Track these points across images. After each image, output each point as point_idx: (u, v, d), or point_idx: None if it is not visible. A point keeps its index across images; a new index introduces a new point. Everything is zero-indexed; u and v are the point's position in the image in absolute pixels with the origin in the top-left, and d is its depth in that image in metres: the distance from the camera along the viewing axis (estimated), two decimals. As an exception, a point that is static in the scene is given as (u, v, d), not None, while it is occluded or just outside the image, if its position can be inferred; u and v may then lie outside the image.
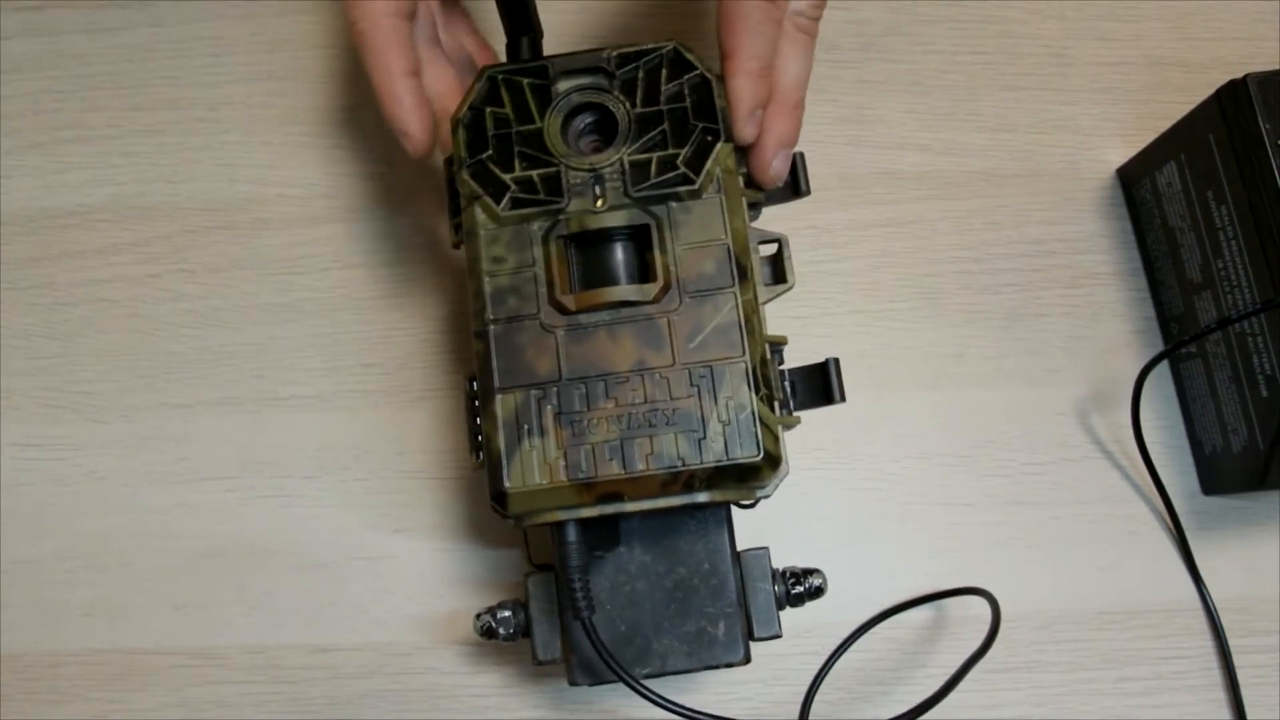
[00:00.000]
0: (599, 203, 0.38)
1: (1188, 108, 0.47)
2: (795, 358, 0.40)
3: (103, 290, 0.50)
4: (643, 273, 0.38)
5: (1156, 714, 0.46)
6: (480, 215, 0.38)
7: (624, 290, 0.36)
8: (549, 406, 0.36)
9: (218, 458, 0.49)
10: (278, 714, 0.46)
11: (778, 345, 0.39)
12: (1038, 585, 0.48)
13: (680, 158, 0.37)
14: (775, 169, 0.40)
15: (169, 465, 0.48)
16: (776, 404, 0.37)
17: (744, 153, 0.39)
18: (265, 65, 0.53)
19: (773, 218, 0.42)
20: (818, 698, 0.45)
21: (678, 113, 0.38)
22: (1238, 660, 0.47)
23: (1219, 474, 0.48)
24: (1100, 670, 0.47)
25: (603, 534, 0.38)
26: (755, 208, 0.41)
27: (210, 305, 0.50)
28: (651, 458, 0.35)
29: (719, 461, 0.35)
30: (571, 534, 0.36)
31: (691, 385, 0.36)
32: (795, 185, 0.42)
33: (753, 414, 0.35)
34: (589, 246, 0.38)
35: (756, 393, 0.35)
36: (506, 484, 0.35)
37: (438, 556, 0.48)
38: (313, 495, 0.48)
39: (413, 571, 0.47)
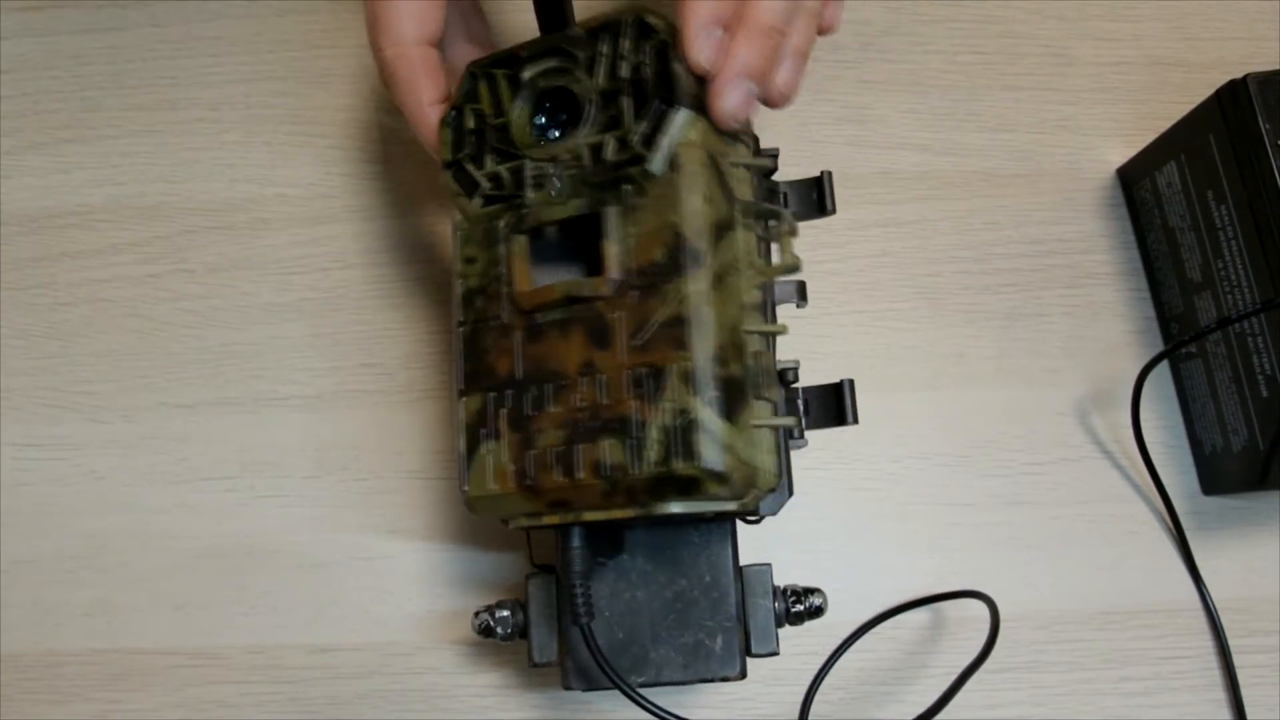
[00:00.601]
0: (556, 193, 0.35)
1: (1188, 108, 0.47)
2: (793, 358, 0.40)
3: (103, 290, 0.50)
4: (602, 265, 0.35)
5: (1156, 714, 0.46)
6: (458, 216, 0.37)
7: (569, 285, 0.34)
8: (504, 410, 0.35)
9: (218, 458, 0.49)
10: (278, 714, 0.46)
11: (772, 338, 0.36)
12: (1038, 585, 0.48)
13: (635, 135, 0.34)
14: (730, 104, 0.34)
15: (169, 465, 0.48)
16: (767, 404, 0.34)
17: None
18: (265, 65, 0.53)
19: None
20: (818, 698, 0.45)
21: (640, 86, 0.35)
22: (1238, 660, 0.47)
23: (1219, 474, 0.48)
24: (1100, 670, 0.47)
25: (606, 540, 0.38)
26: (766, 181, 0.38)
27: (210, 305, 0.50)
28: (591, 466, 0.33)
29: (655, 472, 0.32)
30: (575, 539, 0.35)
31: (635, 387, 0.33)
32: (821, 203, 0.40)
33: (694, 421, 0.32)
34: (550, 241, 0.36)
35: (701, 395, 0.32)
36: (465, 488, 0.35)
37: (438, 556, 0.48)
38: (313, 495, 0.48)
39: (413, 571, 0.47)
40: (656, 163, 0.34)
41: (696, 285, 0.33)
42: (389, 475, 0.48)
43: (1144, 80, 0.54)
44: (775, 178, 0.41)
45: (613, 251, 0.34)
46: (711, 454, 0.32)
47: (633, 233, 0.34)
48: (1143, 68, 0.54)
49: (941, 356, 0.50)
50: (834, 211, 0.40)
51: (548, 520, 0.35)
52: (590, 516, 0.34)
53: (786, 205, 0.41)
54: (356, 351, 0.50)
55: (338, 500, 0.48)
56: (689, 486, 0.32)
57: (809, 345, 0.49)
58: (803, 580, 0.41)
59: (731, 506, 0.34)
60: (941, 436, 0.49)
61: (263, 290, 0.50)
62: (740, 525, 0.40)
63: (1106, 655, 0.47)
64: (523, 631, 0.39)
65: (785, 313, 0.40)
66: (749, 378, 0.34)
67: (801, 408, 0.39)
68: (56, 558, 0.48)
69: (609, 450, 0.33)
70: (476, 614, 0.39)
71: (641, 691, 0.36)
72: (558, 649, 0.39)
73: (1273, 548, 0.48)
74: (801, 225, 0.43)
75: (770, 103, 0.36)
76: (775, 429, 0.35)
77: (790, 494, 0.38)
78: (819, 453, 0.48)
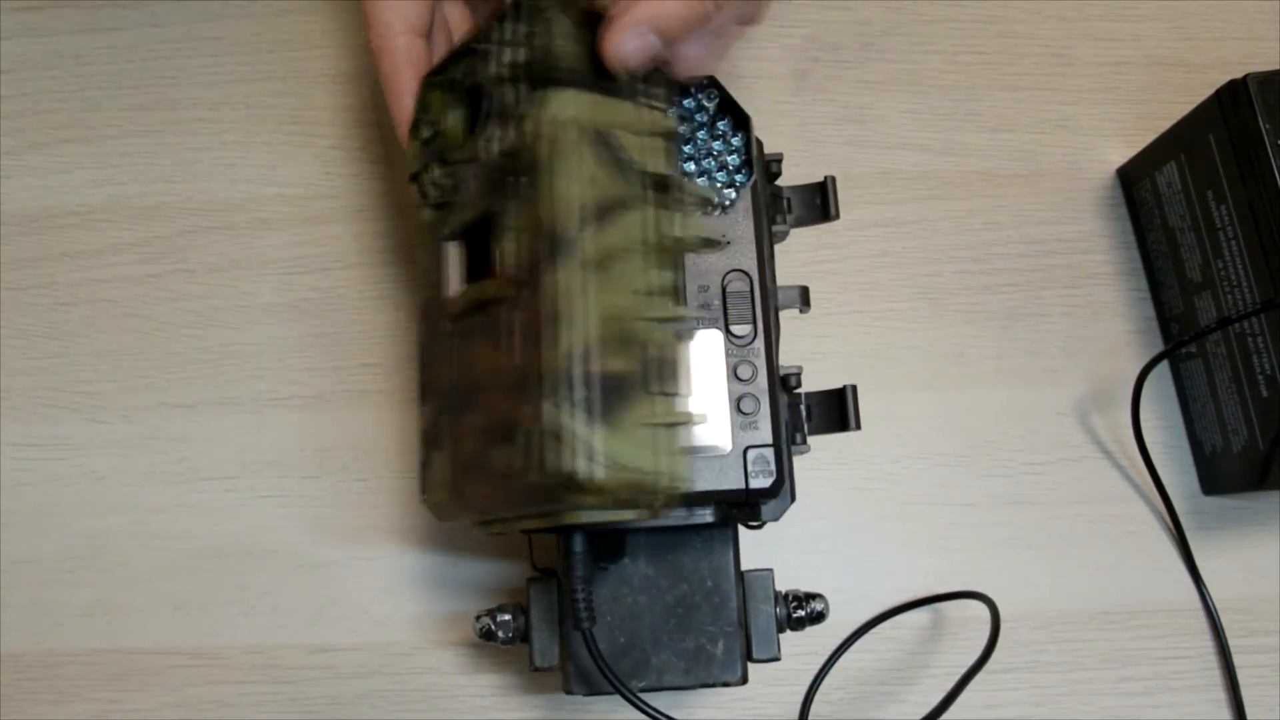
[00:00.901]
0: (468, 194, 0.34)
1: (1188, 108, 0.47)
2: (793, 358, 0.40)
3: (103, 290, 0.50)
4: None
5: (1156, 714, 0.46)
6: (421, 226, 0.37)
7: (472, 289, 0.33)
8: (445, 418, 0.34)
9: (218, 458, 0.48)
10: (278, 714, 0.46)
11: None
12: (1038, 585, 0.48)
13: (525, 122, 0.32)
14: (623, 46, 0.31)
15: (169, 465, 0.48)
16: (673, 399, 0.31)
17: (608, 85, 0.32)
18: (265, 65, 0.53)
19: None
20: (818, 698, 0.45)
21: (532, 68, 0.32)
22: (1238, 660, 0.47)
23: (1219, 474, 0.48)
24: (1100, 670, 0.47)
25: (608, 545, 0.38)
26: (770, 185, 0.38)
27: (210, 305, 0.50)
28: (495, 475, 0.32)
29: (532, 481, 0.30)
30: (578, 544, 0.35)
31: (520, 391, 0.31)
32: (825, 208, 0.40)
33: (556, 425, 0.29)
34: (471, 245, 0.35)
35: (564, 396, 0.29)
36: (423, 496, 0.35)
37: (438, 557, 0.48)
38: (313, 495, 0.48)
39: (413, 571, 0.47)
40: (537, 148, 0.31)
41: (563, 276, 0.30)
42: (389, 475, 0.48)
43: (1144, 80, 0.54)
44: (779, 182, 0.41)
45: (505, 249, 0.32)
46: (571, 460, 0.29)
47: (521, 226, 0.32)
48: (1143, 68, 0.54)
49: (941, 356, 0.50)
50: (838, 217, 0.40)
51: (497, 529, 0.35)
52: (526, 525, 0.33)
53: (790, 210, 0.41)
54: (356, 351, 0.50)
55: (338, 500, 0.48)
56: (556, 494, 0.30)
57: (809, 346, 0.49)
58: (802, 580, 0.41)
59: (629, 515, 0.32)
60: (941, 436, 0.49)
61: (263, 290, 0.50)
62: (741, 528, 0.40)
63: (1106, 655, 0.47)
64: (524, 635, 0.39)
65: (786, 316, 0.40)
66: (643, 371, 0.30)
67: (804, 413, 0.39)
68: (56, 558, 0.48)
69: (502, 458, 0.31)
70: (478, 617, 0.39)
71: (642, 695, 0.36)
72: (559, 653, 0.39)
73: (1273, 548, 0.48)
74: (805, 230, 0.43)
75: (675, 71, 0.34)
76: (674, 426, 0.31)
77: (793, 499, 0.38)
78: (819, 454, 0.48)
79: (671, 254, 0.32)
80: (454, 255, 0.35)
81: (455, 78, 0.36)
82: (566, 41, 0.32)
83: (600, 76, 0.32)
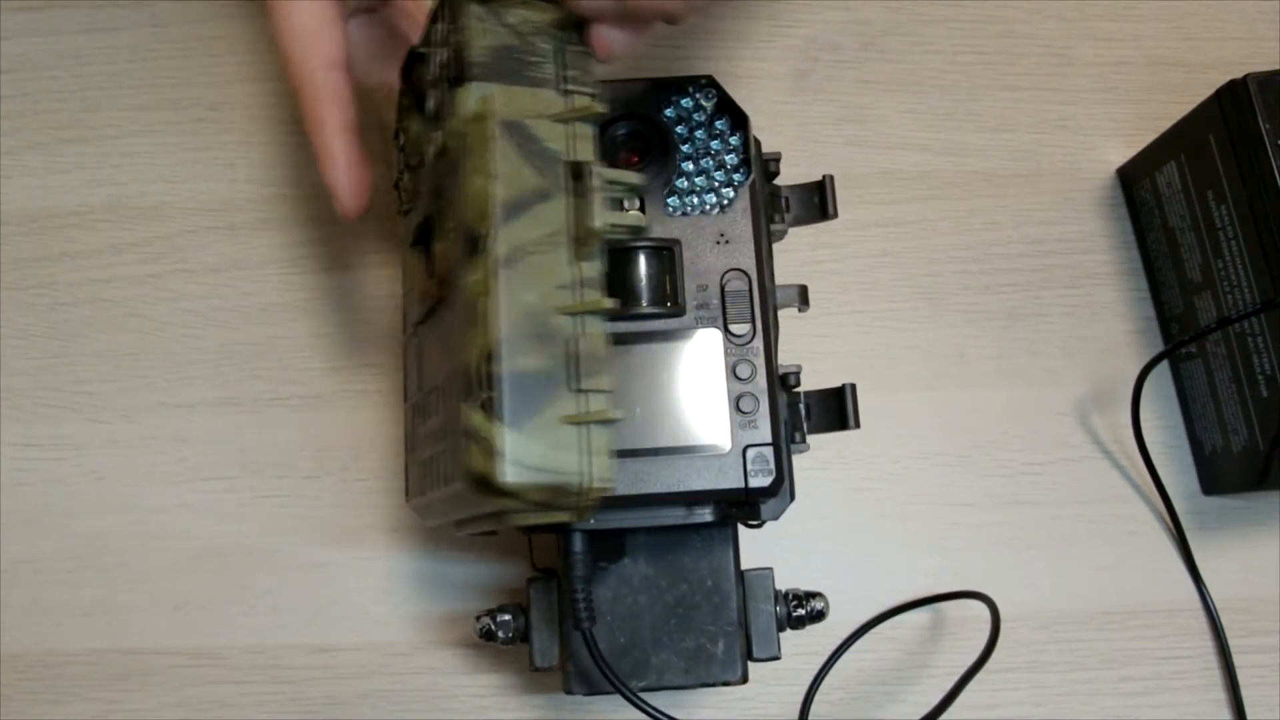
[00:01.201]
0: (416, 199, 0.34)
1: (1188, 108, 0.47)
2: (793, 358, 0.40)
3: (103, 290, 0.50)
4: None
5: (1156, 714, 0.46)
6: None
7: (425, 292, 0.33)
8: (415, 422, 0.35)
9: (218, 458, 0.49)
10: (278, 714, 0.46)
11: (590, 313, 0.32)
12: (1038, 585, 0.48)
13: (449, 122, 0.31)
14: None
15: (169, 465, 0.48)
16: (598, 396, 0.29)
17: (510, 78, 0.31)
18: (265, 65, 0.53)
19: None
20: (818, 698, 0.45)
21: (450, 66, 0.32)
22: (1238, 660, 0.47)
23: (1219, 474, 0.48)
24: (1100, 670, 0.47)
25: (608, 545, 0.38)
26: (769, 185, 0.38)
27: (210, 305, 0.50)
28: (441, 479, 0.31)
29: (458, 486, 0.30)
30: (578, 544, 0.35)
31: (454, 393, 0.30)
32: (823, 208, 0.40)
33: (467, 427, 0.28)
34: (428, 249, 0.35)
35: (473, 397, 0.28)
36: (406, 499, 0.35)
37: (438, 557, 0.48)
38: (313, 495, 0.48)
39: (413, 571, 0.47)
40: (451, 146, 0.31)
41: (471, 275, 0.29)
42: (389, 475, 0.48)
43: (1144, 80, 0.54)
44: (777, 181, 0.41)
45: (438, 251, 0.32)
46: (480, 463, 0.28)
47: (449, 227, 0.31)
48: (1143, 68, 0.54)
49: (941, 356, 0.50)
50: (836, 216, 0.40)
51: (467, 531, 0.35)
52: (488, 526, 0.33)
53: (788, 209, 0.41)
54: (356, 351, 0.50)
55: (338, 500, 0.48)
56: (478, 499, 0.29)
57: (809, 345, 0.49)
58: (802, 580, 0.41)
59: (559, 518, 0.30)
60: (941, 436, 0.49)
61: (263, 290, 0.50)
62: (741, 527, 0.40)
63: (1106, 655, 0.47)
64: (524, 635, 0.39)
65: (785, 315, 0.40)
66: (561, 368, 0.29)
67: (804, 412, 0.39)
68: (56, 558, 0.48)
69: (445, 460, 0.31)
70: (478, 618, 0.39)
71: (642, 695, 0.36)
72: (559, 653, 0.39)
73: (1273, 548, 0.48)
74: (804, 229, 0.43)
75: (601, 46, 0.32)
76: (601, 424, 0.29)
77: (792, 498, 0.38)
78: (818, 453, 0.48)
79: (596, 244, 0.30)
80: (415, 260, 0.35)
81: (414, 83, 0.36)
82: (478, 34, 0.31)
83: (520, 65, 0.31)
